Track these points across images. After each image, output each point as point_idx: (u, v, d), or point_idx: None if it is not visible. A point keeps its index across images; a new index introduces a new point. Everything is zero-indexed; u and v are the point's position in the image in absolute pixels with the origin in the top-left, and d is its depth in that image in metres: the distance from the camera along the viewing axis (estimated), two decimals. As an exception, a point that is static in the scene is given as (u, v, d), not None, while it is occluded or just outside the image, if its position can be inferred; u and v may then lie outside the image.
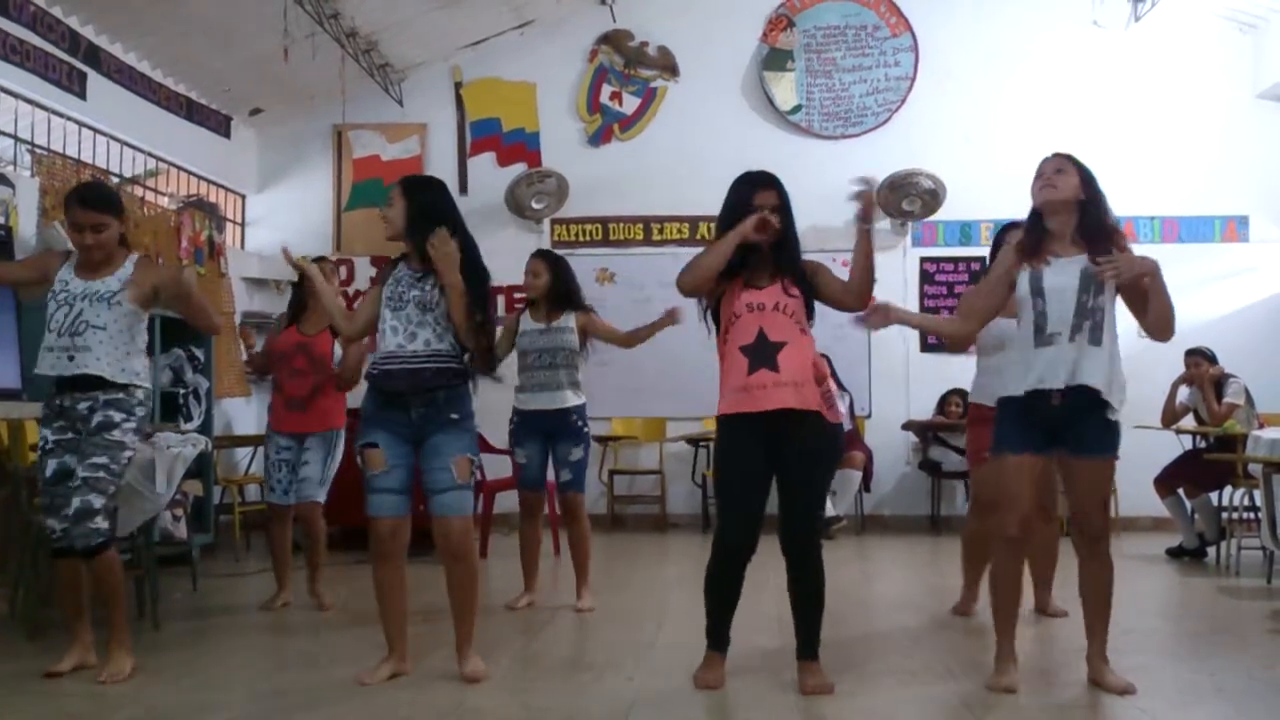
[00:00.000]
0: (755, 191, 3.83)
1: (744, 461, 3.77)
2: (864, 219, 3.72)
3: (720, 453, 3.88)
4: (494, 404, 4.82)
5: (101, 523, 3.93)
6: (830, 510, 8.23)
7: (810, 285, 3.85)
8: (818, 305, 3.89)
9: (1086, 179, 3.82)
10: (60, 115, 6.77)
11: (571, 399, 5.33)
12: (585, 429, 5.40)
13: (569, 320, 5.38)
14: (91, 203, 4.07)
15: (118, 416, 4.00)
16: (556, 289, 5.39)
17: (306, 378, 5.41)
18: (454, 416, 3.88)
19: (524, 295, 5.67)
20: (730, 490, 3.82)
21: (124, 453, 4.03)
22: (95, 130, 7.16)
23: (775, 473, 3.79)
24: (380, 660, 3.97)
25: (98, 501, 3.91)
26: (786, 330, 3.73)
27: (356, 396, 6.00)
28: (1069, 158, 3.85)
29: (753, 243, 3.77)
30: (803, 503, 3.77)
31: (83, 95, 6.84)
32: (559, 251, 6.16)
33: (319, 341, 5.44)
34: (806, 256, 3.91)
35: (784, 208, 3.82)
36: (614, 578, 6.60)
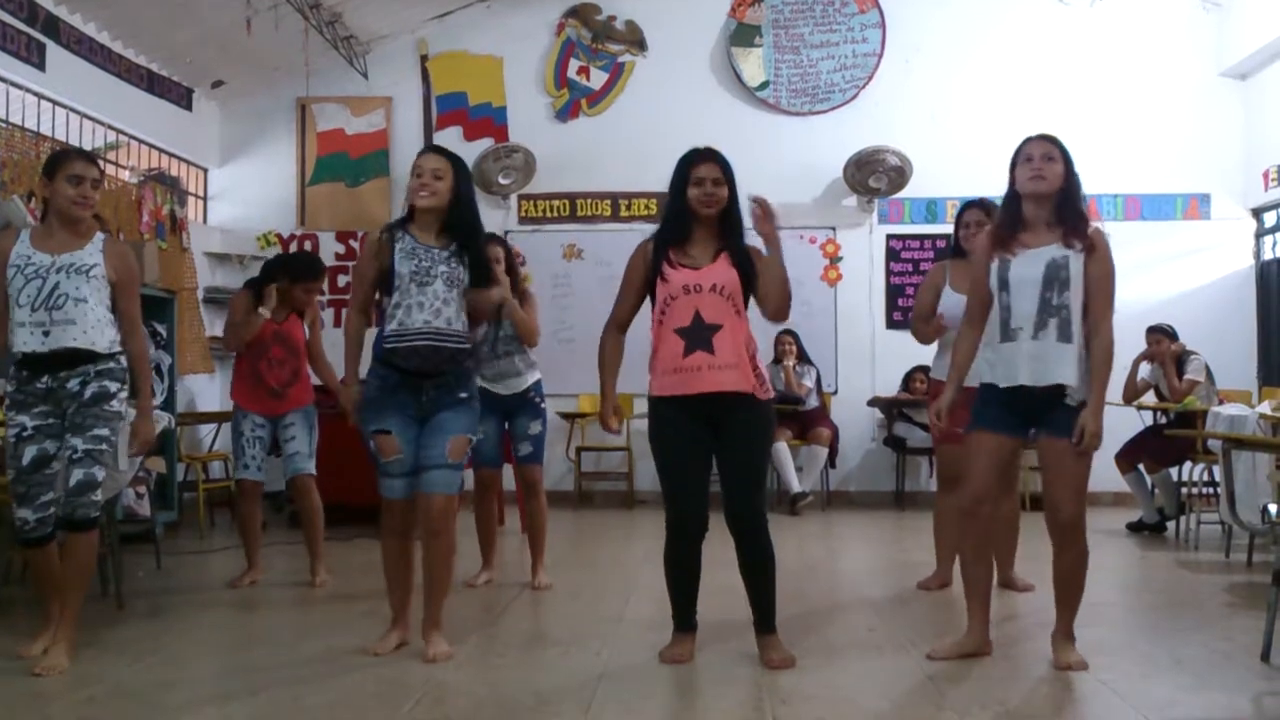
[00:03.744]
0: (693, 164, 3.82)
1: (681, 439, 3.79)
2: (769, 241, 3.78)
3: (656, 434, 3.87)
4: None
5: (99, 496, 3.87)
6: (797, 486, 8.29)
7: (750, 268, 3.82)
8: (793, 280, 3.87)
9: (1069, 164, 3.74)
10: (18, 87, 6.65)
11: (529, 379, 5.32)
12: (542, 404, 5.40)
13: None
14: (93, 159, 4.03)
15: (113, 386, 3.91)
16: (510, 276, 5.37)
17: (285, 366, 5.41)
18: (462, 395, 3.94)
19: None
20: (672, 469, 3.83)
21: (120, 423, 3.97)
22: (54, 102, 7.04)
23: (714, 452, 3.82)
24: (386, 631, 4.06)
25: (100, 474, 3.85)
26: (722, 313, 3.74)
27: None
28: (1055, 142, 3.76)
29: (696, 213, 3.79)
30: (744, 481, 3.79)
31: (41, 66, 6.73)
32: (528, 228, 6.14)
33: (291, 328, 5.46)
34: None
35: (728, 181, 3.81)
36: (581, 554, 6.62)
